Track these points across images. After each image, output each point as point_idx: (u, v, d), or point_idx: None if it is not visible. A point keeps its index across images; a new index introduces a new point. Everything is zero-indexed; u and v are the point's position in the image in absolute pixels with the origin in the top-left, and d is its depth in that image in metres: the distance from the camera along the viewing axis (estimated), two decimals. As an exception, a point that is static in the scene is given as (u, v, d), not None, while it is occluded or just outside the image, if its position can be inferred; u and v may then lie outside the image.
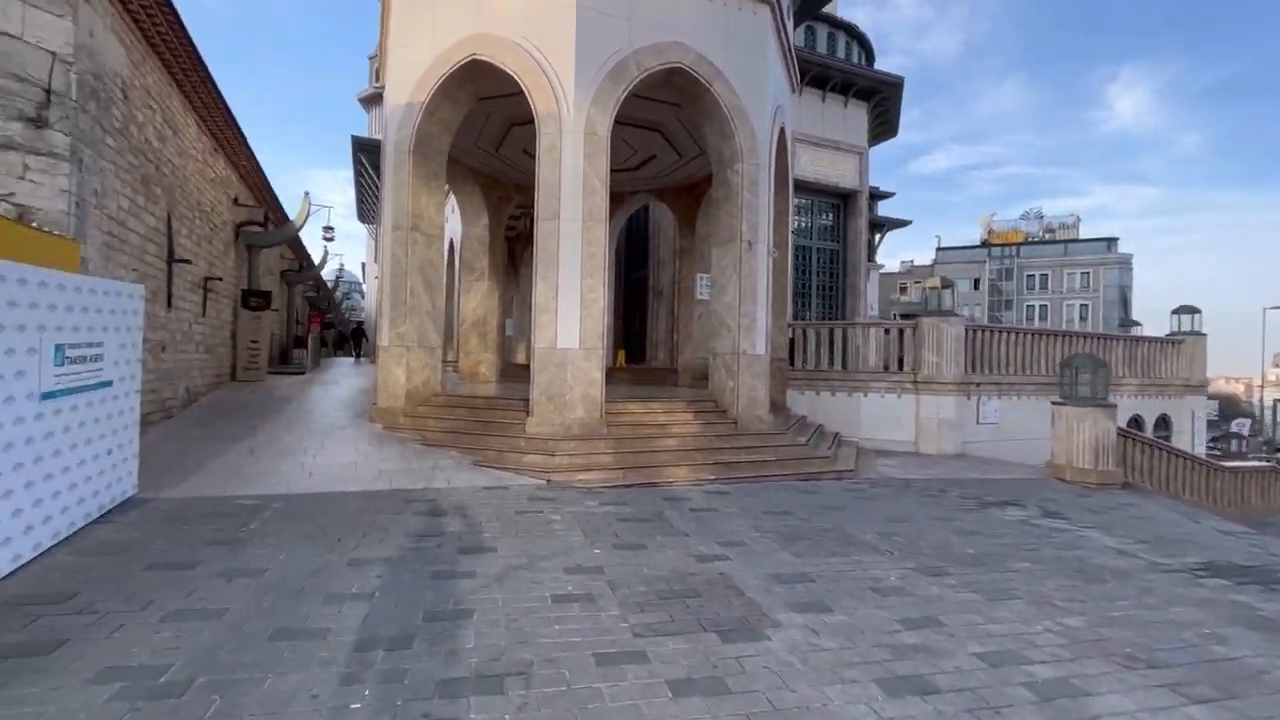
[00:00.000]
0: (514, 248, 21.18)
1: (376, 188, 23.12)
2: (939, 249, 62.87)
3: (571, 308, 8.03)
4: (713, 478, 7.60)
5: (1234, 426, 44.71)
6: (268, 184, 14.74)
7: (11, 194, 5.28)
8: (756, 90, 9.38)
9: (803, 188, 16.68)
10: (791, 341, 12.29)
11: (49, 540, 4.14)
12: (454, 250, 19.47)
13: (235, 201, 13.36)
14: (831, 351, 11.94)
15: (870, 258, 23.87)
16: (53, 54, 5.49)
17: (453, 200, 14.31)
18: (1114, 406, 9.09)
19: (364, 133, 29.17)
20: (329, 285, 35.71)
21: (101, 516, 4.86)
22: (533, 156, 12.73)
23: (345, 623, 3.31)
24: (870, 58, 20.79)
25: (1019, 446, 10.76)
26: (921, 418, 10.74)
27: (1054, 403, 9.50)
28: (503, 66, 8.42)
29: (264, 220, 14.69)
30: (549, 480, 7.00)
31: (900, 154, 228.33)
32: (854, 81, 17.53)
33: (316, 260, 25.71)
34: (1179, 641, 3.58)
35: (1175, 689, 3.01)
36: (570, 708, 2.63)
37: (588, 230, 8.10)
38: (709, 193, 13.56)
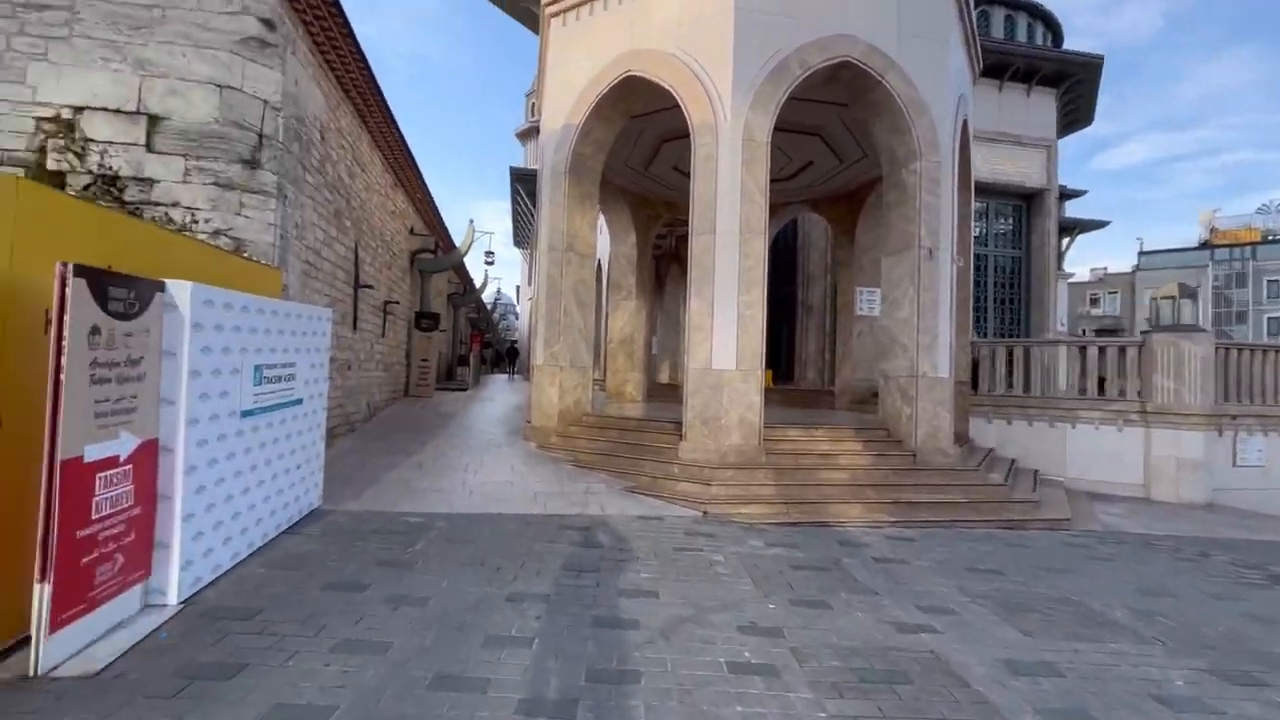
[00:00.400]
0: (659, 266, 21.20)
1: (531, 214, 24.51)
2: (1141, 253, 53.94)
3: (727, 325, 7.52)
4: (891, 519, 6.62)
5: None
6: (438, 215, 15.98)
7: (230, 228, 5.87)
8: (937, 80, 8.32)
9: (977, 189, 14.83)
10: (975, 362, 10.76)
11: (245, 551, 4.37)
12: (600, 270, 19.89)
13: (411, 231, 14.58)
14: (1028, 374, 10.25)
15: (1058, 265, 20.86)
16: (264, 101, 6.10)
17: (600, 220, 14.53)
18: None
19: (520, 165, 31.10)
20: (488, 307, 38.51)
21: (290, 528, 5.14)
22: (683, 173, 12.58)
23: (505, 673, 3.01)
24: (1058, 38, 18.27)
25: (1298, 498, 8.41)
26: (1154, 457, 8.78)
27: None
28: (657, 80, 8.23)
29: (434, 248, 15.91)
30: (705, 513, 6.48)
31: (1085, 148, 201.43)
32: (1039, 66, 15.41)
33: (478, 284, 27.71)
34: None
35: None
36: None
37: (745, 242, 7.56)
38: (871, 199, 12.52)
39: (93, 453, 2.99)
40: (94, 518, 3.02)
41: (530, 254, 29.26)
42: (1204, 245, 53.35)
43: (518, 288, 47.77)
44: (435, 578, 4.24)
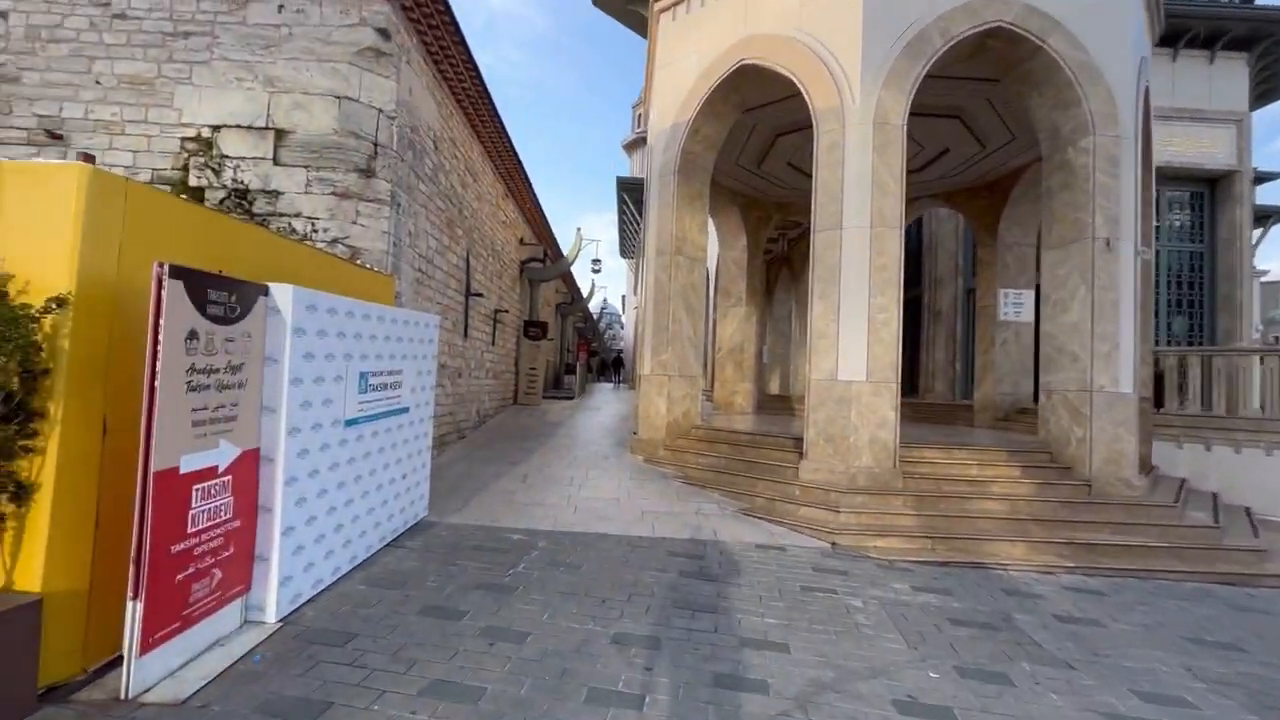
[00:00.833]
0: (768, 271, 20.31)
1: (636, 223, 24.43)
2: (1350, 247, 45.05)
3: (856, 332, 6.68)
4: (1066, 564, 5.49)
5: None
6: (547, 224, 16.16)
7: (346, 236, 5.93)
8: (1113, 40, 7.02)
9: (1149, 173, 12.74)
10: (1158, 375, 9.05)
11: (347, 565, 4.22)
12: (707, 276, 19.31)
13: (521, 241, 14.79)
14: (1229, 390, 8.44)
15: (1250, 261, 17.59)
16: (379, 110, 6.14)
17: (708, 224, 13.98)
18: None
19: (626, 175, 31.27)
20: (594, 317, 39.09)
21: (395, 540, 4.99)
22: (798, 169, 11.78)
23: (611, 744, 2.51)
24: (1247, -7, 15.46)
25: None
26: None
27: None
28: (773, 67, 7.59)
29: (543, 257, 16.09)
30: (834, 544, 5.70)
31: (1266, 124, 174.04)
32: (1226, 27, 13.02)
33: (585, 293, 28.07)
34: None
35: None
36: None
37: (877, 238, 6.70)
38: (1018, 189, 11.07)
39: (189, 463, 2.84)
40: (190, 531, 2.88)
41: (636, 263, 29.27)
42: None
43: (623, 297, 48.30)
44: (535, 608, 3.84)
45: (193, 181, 5.88)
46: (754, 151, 10.94)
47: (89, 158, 2.78)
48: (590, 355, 32.74)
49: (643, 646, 3.40)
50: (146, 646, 2.65)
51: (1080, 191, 6.97)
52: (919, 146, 10.22)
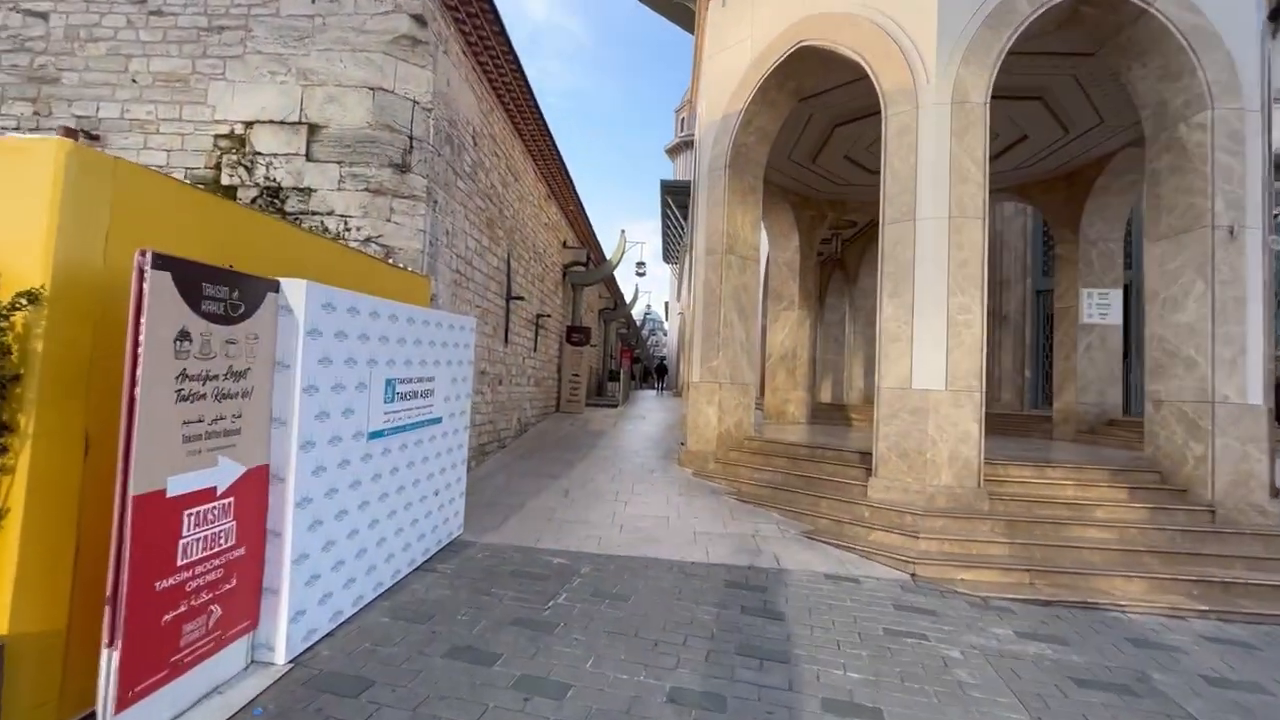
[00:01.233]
0: (820, 274, 19.48)
1: (680, 227, 23.89)
2: None
3: (933, 334, 5.98)
4: (1199, 607, 4.65)
5: None
6: (590, 228, 15.79)
7: (380, 235, 5.60)
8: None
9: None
10: (1278, 383, 7.96)
11: (371, 593, 3.80)
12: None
13: (564, 245, 14.46)
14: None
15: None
16: (414, 102, 5.80)
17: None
18: None
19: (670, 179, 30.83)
20: (637, 323, 38.70)
21: (426, 561, 4.58)
22: (855, 163, 11.03)
23: None
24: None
25: None
26: None
27: None
28: (834, 48, 6.97)
29: (585, 260, 15.72)
30: (914, 575, 5.01)
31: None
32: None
33: (628, 299, 27.67)
34: None
35: None
36: None
37: (957, 230, 6.00)
38: (1102, 179, 10.08)
39: (179, 485, 2.45)
40: (180, 564, 2.48)
41: (680, 267, 28.75)
42: None
43: (666, 304, 47.81)
44: (578, 651, 3.33)
45: (225, 180, 5.66)
46: (809, 145, 10.27)
47: (71, 132, 2.42)
48: (634, 362, 32.31)
49: (705, 709, 2.84)
50: (125, 701, 2.25)
51: (1195, 174, 6.09)
52: (994, 133, 9.36)
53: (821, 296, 19.77)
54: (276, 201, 5.60)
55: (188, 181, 5.21)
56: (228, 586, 2.75)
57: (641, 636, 3.56)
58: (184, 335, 2.43)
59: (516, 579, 4.38)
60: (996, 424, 12.55)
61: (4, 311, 2.21)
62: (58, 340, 2.34)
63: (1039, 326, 15.19)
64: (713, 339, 8.24)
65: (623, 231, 17.14)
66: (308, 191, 5.62)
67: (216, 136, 5.71)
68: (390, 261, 5.32)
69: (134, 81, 5.80)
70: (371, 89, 5.67)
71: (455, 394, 5.04)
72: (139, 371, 2.23)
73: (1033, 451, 7.87)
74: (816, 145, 10.28)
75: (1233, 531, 5.49)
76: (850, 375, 17.74)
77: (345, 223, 5.58)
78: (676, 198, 21.12)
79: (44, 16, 5.82)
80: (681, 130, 39.62)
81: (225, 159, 5.66)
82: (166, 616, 2.43)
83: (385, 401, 3.87)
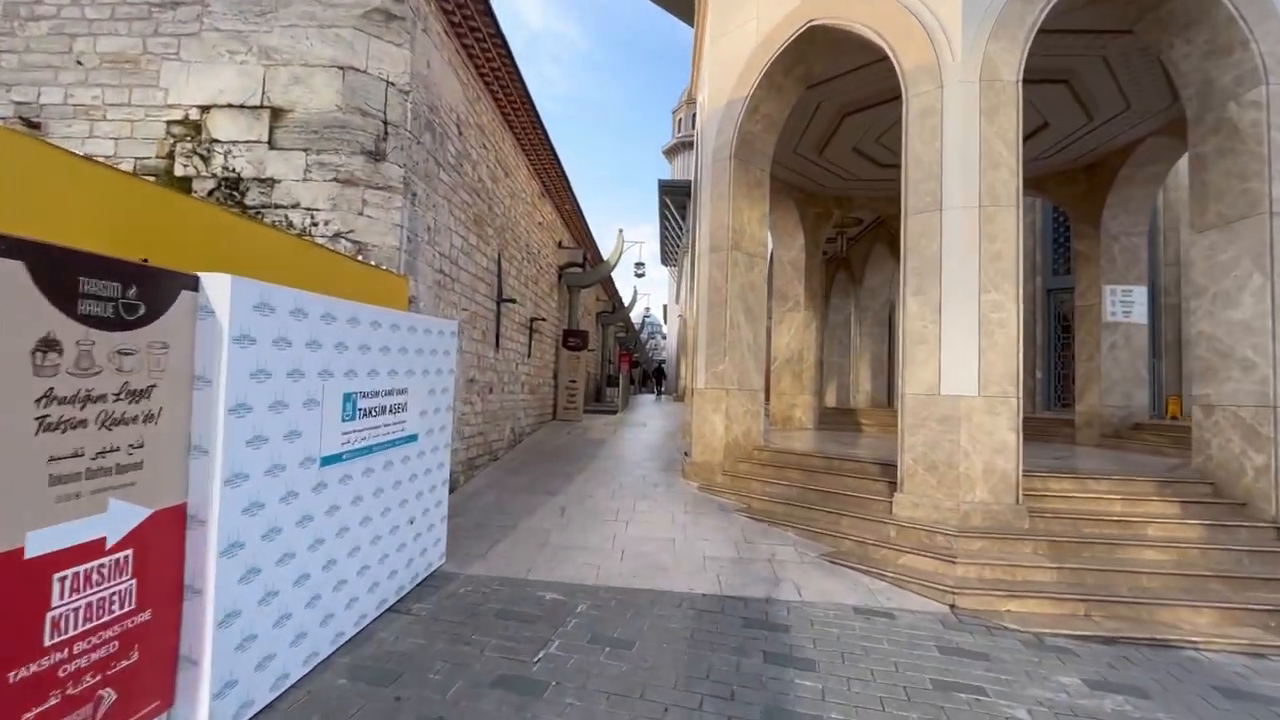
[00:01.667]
0: (825, 273, 18.96)
1: (679, 228, 23.36)
2: None
3: (964, 335, 5.43)
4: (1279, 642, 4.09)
5: None
6: (587, 227, 15.23)
7: (351, 230, 5.03)
8: (1286, -35, 5.62)
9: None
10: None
11: (329, 646, 3.22)
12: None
13: (560, 245, 13.89)
14: None
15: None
16: (389, 83, 5.25)
17: (763, 223, 12.77)
18: None
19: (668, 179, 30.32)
20: (636, 327, 38.13)
21: (400, 600, 4.00)
22: (866, 156, 10.48)
23: None
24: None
25: None
26: None
27: None
28: (848, 26, 6.43)
29: (582, 261, 15.16)
30: (953, 606, 4.44)
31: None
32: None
33: (626, 301, 27.12)
34: None
35: None
36: None
37: (989, 220, 5.45)
38: (1125, 169, 9.55)
39: (44, 541, 1.87)
40: (50, 644, 1.90)
41: (679, 268, 28.22)
42: None
43: (664, 307, 47.25)
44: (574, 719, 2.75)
45: (179, 171, 5.09)
46: (816, 136, 9.74)
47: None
48: (632, 366, 31.74)
49: (731, 806, 2.27)
50: (-41, 838, 1.68)
51: (1250, 156, 5.55)
52: (1012, 121, 8.84)
53: (826, 297, 19.24)
54: (236, 194, 5.03)
55: (135, 174, 4.65)
56: (125, 663, 2.17)
57: (648, 699, 2.98)
58: (49, 345, 1.85)
59: (502, 621, 3.80)
60: (1014, 428, 11.99)
61: None
62: (-124, 353, 1.77)
63: (1050, 326, 14.67)
64: (718, 342, 7.68)
65: (620, 231, 16.58)
66: (270, 182, 5.05)
67: (169, 123, 5.14)
68: (361, 259, 4.75)
69: (79, 63, 5.24)
70: (341, 68, 5.11)
71: (434, 407, 4.46)
72: (-26, 394, 1.66)
73: (1065, 460, 7.31)
74: (824, 137, 9.74)
75: (1303, 551, 4.93)
76: (856, 378, 17.20)
77: (312, 216, 5.01)
78: (675, 198, 20.61)
79: (-21, -7, 5.26)
80: (679, 131, 39.17)
81: (179, 147, 5.09)
82: (29, 713, 1.85)
83: (343, 420, 3.29)
